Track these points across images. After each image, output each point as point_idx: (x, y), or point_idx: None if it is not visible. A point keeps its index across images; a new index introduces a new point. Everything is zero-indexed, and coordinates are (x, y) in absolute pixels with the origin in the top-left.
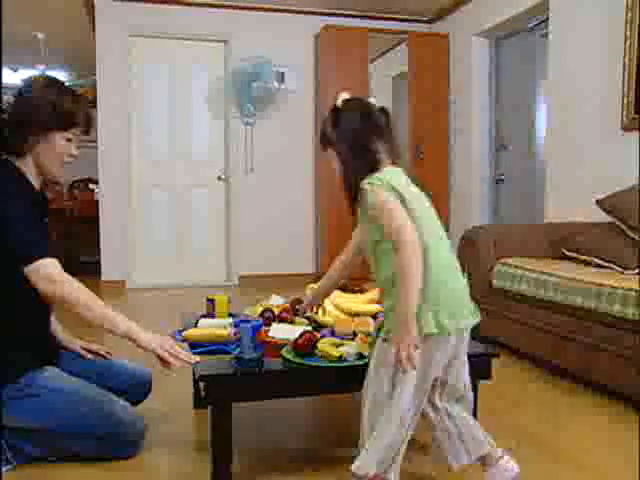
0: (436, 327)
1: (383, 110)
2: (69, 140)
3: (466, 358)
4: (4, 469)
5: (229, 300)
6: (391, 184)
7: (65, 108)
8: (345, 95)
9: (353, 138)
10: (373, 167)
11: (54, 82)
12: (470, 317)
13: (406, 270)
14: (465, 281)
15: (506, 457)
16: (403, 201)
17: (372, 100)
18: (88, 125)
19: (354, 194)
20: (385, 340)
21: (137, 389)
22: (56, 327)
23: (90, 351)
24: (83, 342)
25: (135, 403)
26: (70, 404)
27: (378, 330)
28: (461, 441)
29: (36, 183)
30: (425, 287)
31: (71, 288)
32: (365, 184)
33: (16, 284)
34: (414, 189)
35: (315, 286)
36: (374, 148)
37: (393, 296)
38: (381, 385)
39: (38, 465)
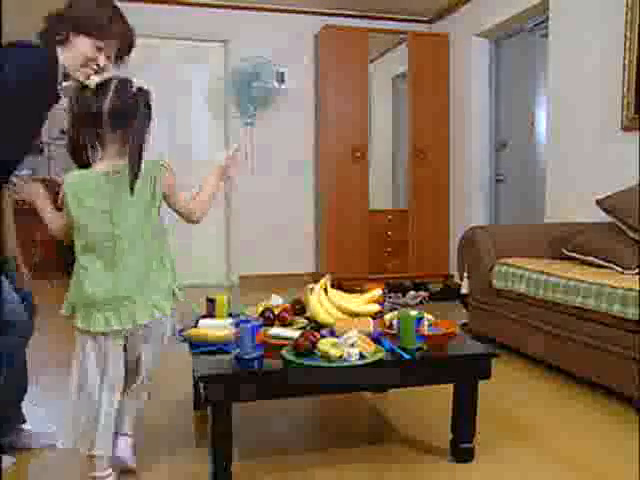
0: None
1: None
2: (99, 49)
3: None
4: (4, 465)
5: (229, 300)
6: (67, 181)
7: (95, 14)
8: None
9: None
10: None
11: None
12: None
13: None
14: None
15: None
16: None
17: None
18: (125, 40)
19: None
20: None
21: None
22: None
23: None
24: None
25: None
26: None
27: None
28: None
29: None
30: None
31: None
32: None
33: None
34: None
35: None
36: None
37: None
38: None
39: (38, 463)
